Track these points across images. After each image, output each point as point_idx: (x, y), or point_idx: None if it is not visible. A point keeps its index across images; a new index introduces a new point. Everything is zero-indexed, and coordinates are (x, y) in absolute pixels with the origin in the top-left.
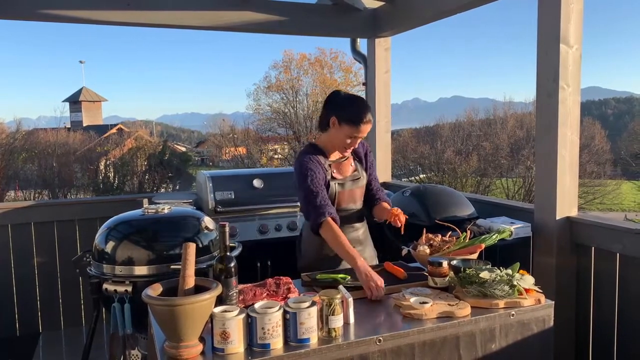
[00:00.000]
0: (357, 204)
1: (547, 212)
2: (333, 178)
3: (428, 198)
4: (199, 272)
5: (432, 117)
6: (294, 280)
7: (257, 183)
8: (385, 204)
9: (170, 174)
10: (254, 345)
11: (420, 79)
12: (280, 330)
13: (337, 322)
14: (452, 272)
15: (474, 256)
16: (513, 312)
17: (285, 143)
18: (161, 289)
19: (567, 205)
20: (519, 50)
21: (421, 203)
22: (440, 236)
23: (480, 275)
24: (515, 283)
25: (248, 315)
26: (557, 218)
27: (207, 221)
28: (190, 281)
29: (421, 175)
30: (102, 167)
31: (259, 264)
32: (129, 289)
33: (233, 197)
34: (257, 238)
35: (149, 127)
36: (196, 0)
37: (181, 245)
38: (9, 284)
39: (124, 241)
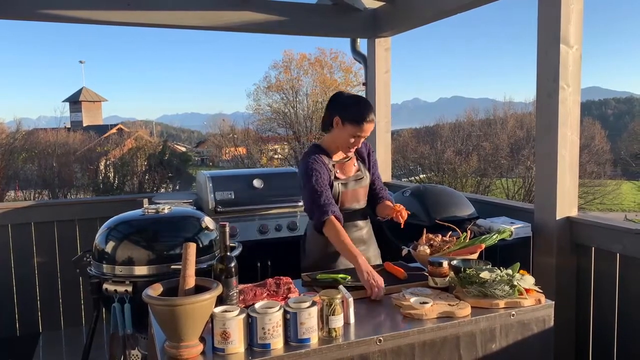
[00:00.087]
0: (361, 203)
1: (547, 212)
2: (336, 178)
3: (428, 198)
4: (199, 272)
5: (432, 117)
6: (294, 280)
7: (257, 183)
8: (388, 202)
9: (170, 174)
10: (255, 345)
11: (420, 79)
12: (280, 330)
13: (337, 322)
14: (452, 272)
15: (474, 256)
16: (513, 312)
17: (285, 143)
18: (161, 289)
19: (567, 205)
20: (519, 50)
21: (421, 203)
22: (440, 236)
23: (481, 275)
24: (515, 283)
25: (248, 315)
26: (557, 218)
27: (207, 221)
28: (191, 281)
29: (421, 175)
30: (102, 167)
31: (259, 264)
32: (129, 289)
33: (233, 197)
34: (257, 238)
35: (149, 127)
36: (196, 0)
37: (181, 245)
38: (9, 284)
39: (124, 241)
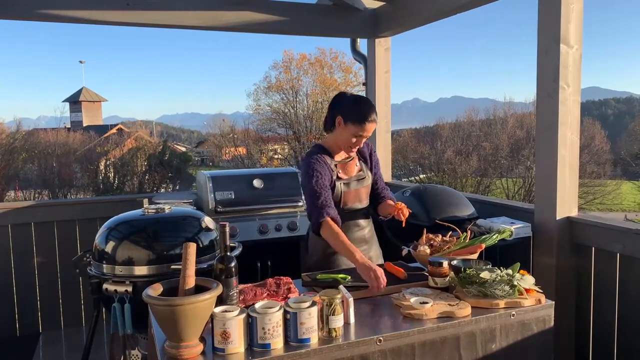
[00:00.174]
0: (363, 203)
1: (547, 212)
2: (339, 178)
3: (428, 198)
4: (199, 272)
5: (432, 117)
6: (294, 280)
7: (257, 183)
8: (390, 201)
9: (170, 174)
10: (255, 345)
11: (420, 79)
12: (280, 330)
13: (337, 322)
14: (452, 272)
15: (474, 256)
16: (513, 312)
17: (285, 143)
18: (161, 289)
19: (567, 205)
20: (519, 50)
21: (421, 203)
22: (440, 236)
23: (481, 275)
24: (515, 283)
25: (248, 315)
26: (557, 218)
27: (208, 221)
28: (191, 281)
29: (421, 175)
30: (102, 167)
31: (259, 264)
32: (129, 289)
33: (233, 197)
34: (257, 238)
35: (149, 127)
36: (196, 0)
37: (181, 245)
38: (9, 284)
39: (124, 241)
